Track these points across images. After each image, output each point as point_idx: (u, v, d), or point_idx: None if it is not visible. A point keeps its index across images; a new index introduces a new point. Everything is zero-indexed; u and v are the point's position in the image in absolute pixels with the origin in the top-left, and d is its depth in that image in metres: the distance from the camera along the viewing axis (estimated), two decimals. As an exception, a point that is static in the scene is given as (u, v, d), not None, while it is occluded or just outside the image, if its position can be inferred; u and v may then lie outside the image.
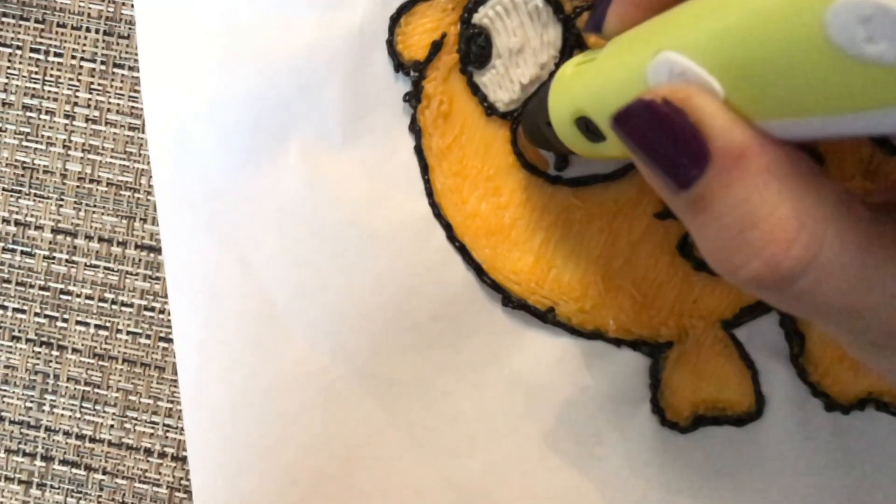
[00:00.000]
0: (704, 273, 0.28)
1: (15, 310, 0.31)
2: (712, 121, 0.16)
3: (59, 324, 0.31)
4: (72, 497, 0.31)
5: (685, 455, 0.28)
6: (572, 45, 0.27)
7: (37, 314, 0.31)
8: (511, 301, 0.28)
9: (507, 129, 0.28)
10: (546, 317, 0.28)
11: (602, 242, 0.28)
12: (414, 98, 0.28)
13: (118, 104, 0.31)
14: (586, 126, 0.22)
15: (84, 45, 0.31)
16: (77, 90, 0.31)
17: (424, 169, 0.29)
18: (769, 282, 0.17)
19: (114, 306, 0.31)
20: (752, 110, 0.16)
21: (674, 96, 0.17)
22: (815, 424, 0.28)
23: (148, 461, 0.31)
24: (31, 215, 0.31)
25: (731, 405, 0.28)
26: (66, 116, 0.31)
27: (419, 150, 0.29)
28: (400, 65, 0.28)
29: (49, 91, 0.31)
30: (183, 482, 0.31)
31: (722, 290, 0.28)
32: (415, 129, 0.29)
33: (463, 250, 0.29)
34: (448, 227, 0.29)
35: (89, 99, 0.31)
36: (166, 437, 0.31)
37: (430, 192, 0.29)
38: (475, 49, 0.28)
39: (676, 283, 0.28)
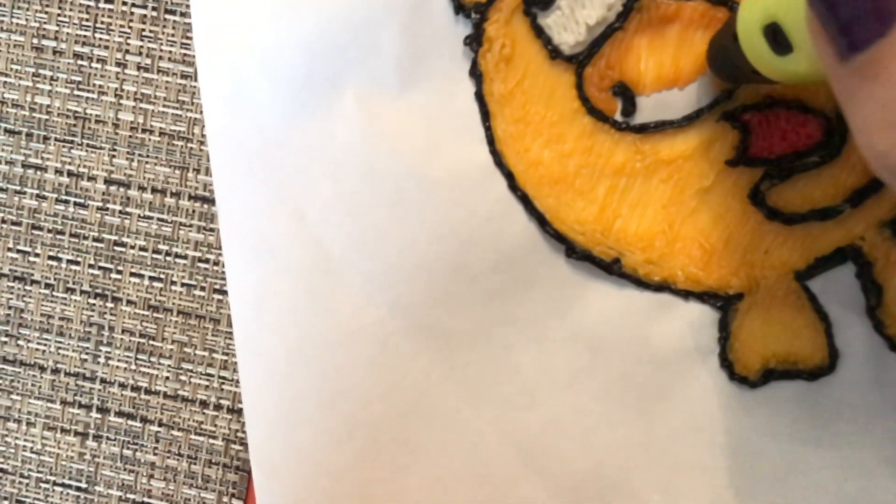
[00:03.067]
0: (777, 222, 0.27)
1: (69, 261, 0.31)
2: None
3: (114, 275, 0.31)
4: (128, 448, 0.31)
5: (754, 410, 0.27)
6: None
7: (91, 266, 0.31)
8: (575, 252, 0.28)
9: (571, 74, 0.27)
10: (611, 268, 0.27)
11: (670, 191, 0.27)
12: (475, 41, 0.27)
13: (170, 52, 0.30)
14: (774, 36, 0.21)
15: (135, -10, 0.30)
16: (128, 37, 0.30)
17: (485, 115, 0.28)
18: None
19: (168, 258, 0.31)
20: None
21: None
22: (890, 379, 0.27)
23: (203, 413, 0.31)
24: (84, 166, 0.31)
25: (802, 359, 0.27)
26: (118, 64, 0.30)
27: (480, 96, 0.28)
28: (460, 6, 0.27)
29: (100, 38, 0.30)
30: (238, 434, 0.31)
31: (795, 240, 0.27)
32: (475, 73, 0.28)
33: (525, 200, 0.28)
34: (510, 176, 0.28)
35: (141, 46, 0.30)
36: (222, 390, 0.31)
37: (491, 140, 0.28)
38: (539, -11, 0.27)
39: (747, 232, 0.27)
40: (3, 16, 0.31)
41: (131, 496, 0.31)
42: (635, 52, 0.27)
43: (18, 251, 0.31)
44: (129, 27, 0.30)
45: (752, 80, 0.24)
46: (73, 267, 0.31)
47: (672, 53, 0.27)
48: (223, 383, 0.31)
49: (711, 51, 0.26)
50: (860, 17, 0.16)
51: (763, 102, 0.26)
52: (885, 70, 0.16)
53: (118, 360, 0.31)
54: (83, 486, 0.32)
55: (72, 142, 0.31)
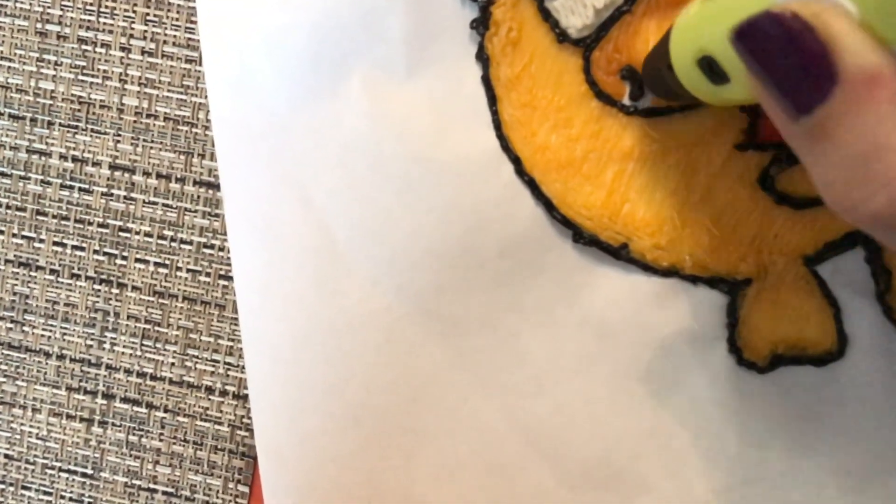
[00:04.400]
0: (786, 207, 0.27)
1: (74, 247, 0.31)
2: (844, 40, 0.15)
3: (119, 261, 0.31)
4: (133, 434, 0.31)
5: (763, 396, 0.27)
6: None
7: (96, 252, 0.31)
8: (582, 237, 0.27)
9: (579, 57, 0.27)
10: (619, 253, 0.27)
11: (678, 175, 0.27)
12: (481, 25, 0.27)
13: (174, 36, 0.30)
14: (710, 67, 0.21)
15: (139, -26, 0.30)
16: (133, 22, 0.30)
17: (492, 100, 0.28)
18: (894, 219, 0.15)
19: (173, 244, 0.31)
20: (888, 33, 0.15)
21: (805, 10, 0.16)
22: (900, 365, 0.26)
23: (209, 399, 0.31)
24: (89, 151, 0.31)
25: (811, 344, 0.27)
26: (122, 49, 0.30)
27: (486, 80, 0.27)
28: (467, -10, 0.27)
29: (104, 23, 0.30)
30: (244, 420, 0.31)
31: (804, 225, 0.27)
32: (482, 57, 0.27)
33: (532, 185, 0.28)
34: (517, 161, 0.28)
35: (145, 31, 0.30)
36: (227, 376, 0.31)
37: (497, 124, 0.28)
38: (547, -28, 0.26)
39: (756, 217, 0.27)
40: (7, 0, 0.30)
41: (137, 482, 0.31)
42: (643, 36, 0.27)
43: (23, 237, 0.31)
44: (134, 11, 0.30)
45: (690, 102, 0.24)
46: (78, 253, 0.31)
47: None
48: (229, 369, 0.31)
49: (646, 73, 0.26)
50: (800, 82, 0.16)
51: (772, 86, 0.26)
52: (835, 131, 0.16)
53: (123, 346, 0.31)
54: (89, 472, 0.31)
55: (76, 127, 0.31)
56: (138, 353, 0.31)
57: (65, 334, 0.31)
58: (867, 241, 0.26)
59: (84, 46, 0.30)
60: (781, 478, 0.27)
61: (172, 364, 0.31)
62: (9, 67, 0.31)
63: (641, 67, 0.26)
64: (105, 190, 0.31)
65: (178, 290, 0.31)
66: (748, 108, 0.26)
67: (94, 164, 0.31)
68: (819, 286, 0.27)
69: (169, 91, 0.30)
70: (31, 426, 0.32)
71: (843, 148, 0.16)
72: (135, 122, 0.30)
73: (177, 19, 0.30)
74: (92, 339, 0.31)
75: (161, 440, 0.31)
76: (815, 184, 0.17)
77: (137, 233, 0.31)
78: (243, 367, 0.30)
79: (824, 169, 0.16)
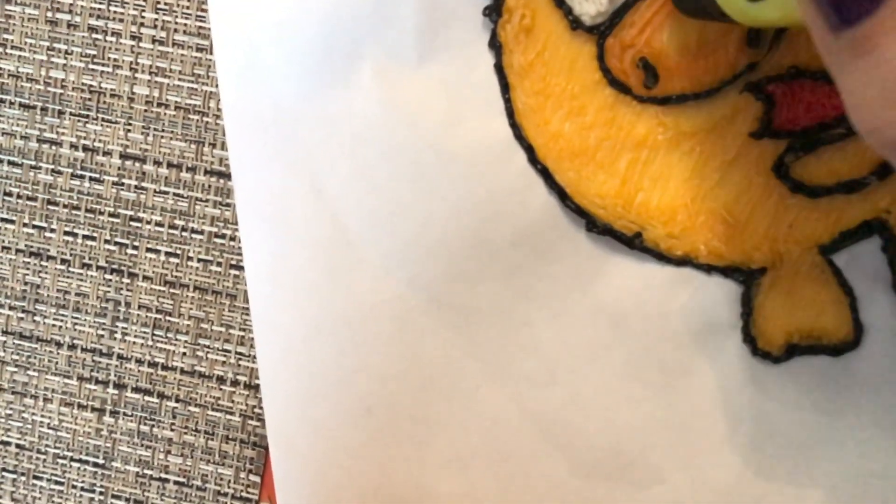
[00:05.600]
0: (801, 195, 0.26)
1: (85, 237, 0.31)
2: None
3: (130, 251, 0.31)
4: (145, 424, 0.31)
5: (777, 386, 0.27)
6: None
7: (107, 241, 0.31)
8: (596, 226, 0.27)
9: (592, 45, 0.27)
10: (633, 242, 0.27)
11: (692, 164, 0.27)
12: (494, 12, 0.27)
13: (185, 24, 0.30)
14: None
15: (149, -38, 0.30)
16: (143, 10, 0.30)
17: (505, 87, 0.27)
18: None
19: (184, 233, 0.30)
20: None
21: None
22: (916, 355, 0.26)
23: (221, 389, 0.31)
24: (99, 140, 0.31)
25: (827, 334, 0.27)
26: (133, 38, 0.30)
27: (499, 68, 0.27)
28: (480, -23, 0.27)
29: (115, 11, 0.30)
30: (256, 410, 0.31)
31: (820, 214, 0.26)
32: (495, 45, 0.27)
33: (545, 173, 0.27)
34: (529, 149, 0.27)
35: (155, 19, 0.30)
36: (239, 366, 0.31)
37: (510, 113, 0.27)
38: (560, -42, 0.26)
39: (771, 205, 0.27)
40: (17, -11, 0.30)
41: (148, 472, 0.31)
42: (658, 23, 0.26)
43: (34, 227, 0.31)
44: (144, 0, 0.30)
45: (718, 20, 0.23)
46: (89, 242, 0.31)
47: (695, 24, 0.26)
48: (240, 359, 0.31)
49: None
50: None
51: (788, 73, 0.26)
52: (879, 46, 0.15)
53: (135, 336, 0.31)
54: (100, 461, 0.31)
55: (87, 116, 0.30)
56: (149, 342, 0.31)
57: (76, 324, 0.31)
58: (883, 229, 0.26)
59: (94, 35, 0.30)
60: (795, 469, 0.27)
61: (184, 354, 0.31)
62: (19, 56, 0.30)
63: None
64: (116, 179, 0.31)
65: (189, 279, 0.31)
66: (763, 95, 0.26)
67: (105, 153, 0.31)
68: (835, 275, 0.26)
69: (180, 80, 0.30)
70: (42, 416, 0.32)
71: (881, 65, 0.15)
72: (145, 111, 0.30)
73: (187, 7, 0.30)
74: (103, 329, 0.31)
75: (172, 430, 0.31)
76: (846, 104, 0.16)
77: (148, 222, 0.31)
78: (254, 357, 0.30)
79: (859, 87, 0.16)
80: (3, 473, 0.32)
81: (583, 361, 0.28)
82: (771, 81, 0.26)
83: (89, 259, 0.31)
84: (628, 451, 0.28)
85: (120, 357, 0.31)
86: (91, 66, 0.30)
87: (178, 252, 0.31)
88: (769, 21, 0.21)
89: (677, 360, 0.27)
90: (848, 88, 0.16)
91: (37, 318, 0.31)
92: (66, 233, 0.31)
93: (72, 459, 0.32)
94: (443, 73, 0.28)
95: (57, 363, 0.31)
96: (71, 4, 0.30)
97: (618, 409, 0.28)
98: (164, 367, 0.31)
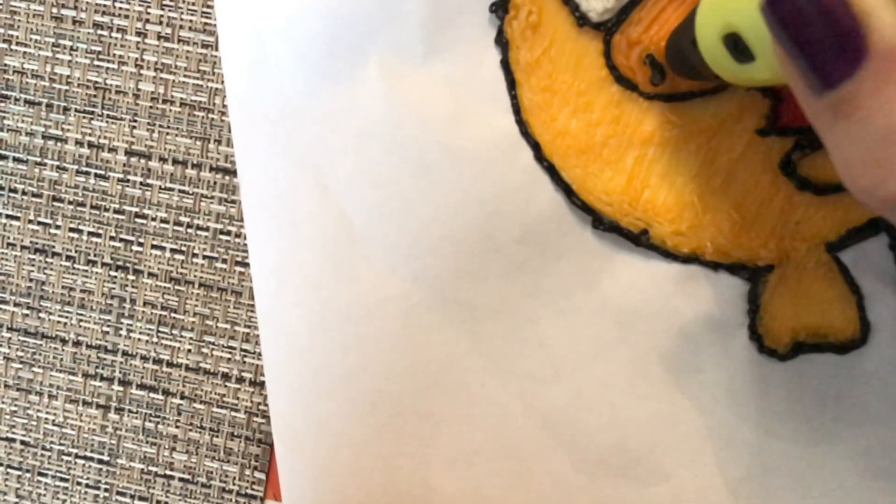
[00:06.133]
0: (808, 193, 0.26)
1: (90, 233, 0.31)
2: (877, 14, 0.15)
3: (135, 248, 0.31)
4: (150, 421, 0.31)
5: (784, 384, 0.27)
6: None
7: (112, 238, 0.31)
8: (602, 223, 0.27)
9: (599, 41, 0.27)
10: (639, 239, 0.27)
11: (699, 161, 0.27)
12: (501, 8, 0.27)
13: (191, 20, 0.30)
14: (735, 44, 0.20)
15: (155, -42, 0.30)
16: (148, 6, 0.30)
17: (511, 84, 0.27)
18: None
19: (189, 230, 0.30)
20: None
21: None
22: (923, 353, 0.26)
23: (226, 386, 0.31)
24: (105, 137, 0.31)
25: (833, 332, 0.27)
26: (138, 34, 0.30)
27: (506, 65, 0.27)
28: (486, -27, 0.27)
29: (120, 8, 0.30)
30: (261, 407, 0.31)
31: (827, 211, 0.26)
32: (501, 41, 0.27)
33: (551, 170, 0.27)
34: (536, 146, 0.27)
35: (161, 15, 0.30)
36: (244, 363, 0.31)
37: (517, 109, 0.27)
38: (567, -46, 0.26)
39: (778, 203, 0.26)
40: (23, -15, 0.30)
41: (153, 469, 0.31)
42: (664, 19, 0.26)
43: (39, 223, 0.31)
44: (150, -4, 0.30)
45: (713, 82, 0.24)
46: (95, 239, 0.31)
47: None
48: (245, 356, 0.31)
49: (669, 51, 0.26)
50: (829, 55, 0.15)
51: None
52: (860, 109, 0.15)
53: (140, 333, 0.31)
54: (105, 458, 0.31)
55: (92, 113, 0.30)
56: (154, 339, 0.31)
57: (81, 321, 0.31)
58: (890, 227, 0.26)
59: (100, 31, 0.30)
60: (802, 466, 0.27)
61: (189, 351, 0.31)
62: (24, 53, 0.30)
63: (665, 45, 0.26)
64: (121, 176, 0.31)
65: (195, 276, 0.31)
66: (770, 92, 0.26)
67: (111, 150, 0.31)
68: (841, 273, 0.26)
69: (185, 76, 0.30)
70: (47, 413, 0.32)
71: (864, 126, 0.15)
72: (151, 107, 0.30)
73: (193, 4, 0.30)
74: (108, 326, 0.31)
75: (177, 427, 0.31)
76: (834, 162, 0.17)
77: (154, 219, 0.31)
78: (260, 354, 0.30)
79: (844, 147, 0.16)
80: (9, 470, 0.32)
81: (588, 358, 0.28)
82: (778, 78, 0.26)
83: (94, 256, 0.31)
84: (633, 448, 0.28)
85: (125, 354, 0.31)
86: (96, 62, 0.30)
87: (184, 249, 0.31)
88: (759, 81, 0.21)
89: (683, 358, 0.27)
90: (834, 148, 0.16)
91: (42, 315, 0.31)
92: (71, 229, 0.31)
93: (77, 456, 0.32)
94: (449, 69, 0.28)
95: (62, 360, 0.31)
96: (76, 1, 0.30)
97: (623, 406, 0.28)
98: (169, 364, 0.31)
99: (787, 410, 0.27)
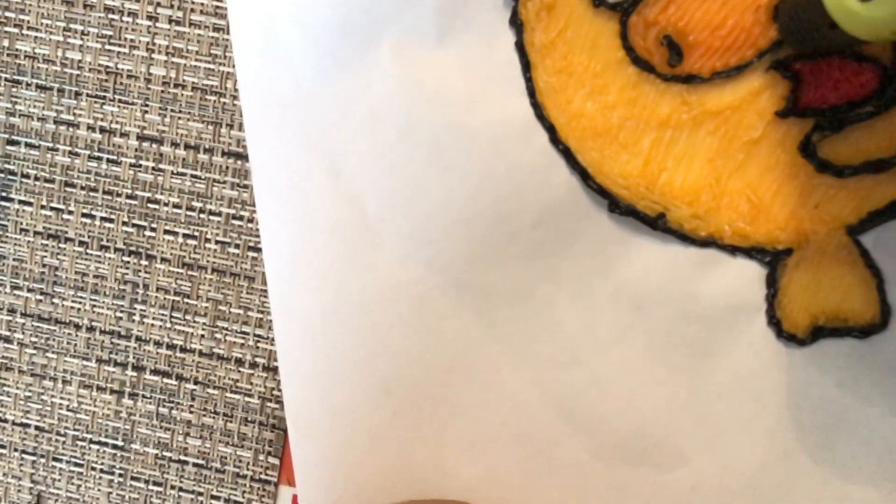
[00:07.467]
0: (828, 175, 0.26)
1: (103, 219, 0.31)
2: None
3: (148, 233, 0.31)
4: (164, 406, 0.31)
5: (803, 368, 0.27)
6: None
7: (125, 223, 0.31)
8: (618, 206, 0.27)
9: (615, 22, 0.26)
10: (656, 223, 0.27)
11: (717, 143, 0.26)
12: (516, -11, 0.27)
13: (202, 4, 0.29)
14: None
15: (166, -59, 0.29)
16: (160, -11, 0.30)
17: (526, 66, 0.27)
18: None
19: (202, 215, 0.30)
20: None
21: None
22: (945, 337, 0.26)
23: (239, 371, 0.31)
24: (117, 122, 0.30)
25: (853, 316, 0.26)
26: (149, 18, 0.30)
27: (520, 46, 0.27)
28: (501, -47, 0.27)
29: (131, -9, 0.30)
30: (274, 392, 0.31)
31: (847, 194, 0.26)
32: (516, 22, 0.27)
33: (567, 153, 0.27)
34: (551, 129, 0.27)
35: (172, -1, 0.30)
36: (257, 348, 0.30)
37: (531, 92, 0.27)
38: (584, -67, 0.26)
39: (797, 185, 0.26)
40: (33, -32, 0.30)
41: (167, 454, 0.31)
42: (681, 0, 0.26)
43: (52, 209, 0.31)
44: (161, -21, 0.30)
45: (827, 41, 0.23)
46: (107, 224, 0.31)
47: (720, 1, 0.26)
48: (258, 341, 0.30)
49: (782, 16, 0.25)
50: None
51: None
52: None
53: (153, 318, 0.31)
54: (119, 443, 0.31)
55: (104, 97, 0.30)
56: (168, 325, 0.31)
57: (94, 306, 0.31)
58: (912, 210, 0.26)
59: (111, 15, 0.30)
60: (821, 452, 0.27)
61: (202, 336, 0.31)
62: (35, 37, 0.30)
63: (775, 9, 0.25)
64: (133, 161, 0.30)
65: (208, 261, 0.30)
66: (790, 73, 0.26)
67: (122, 134, 0.30)
68: (862, 256, 0.26)
69: (197, 60, 0.30)
70: (61, 398, 0.32)
71: None
72: (162, 91, 0.30)
73: (204, -13, 0.29)
74: (121, 311, 0.31)
75: (191, 412, 0.31)
76: None
77: (166, 204, 0.30)
78: (273, 339, 0.30)
79: None
80: (23, 455, 0.32)
81: (605, 343, 0.28)
82: (798, 59, 0.26)
83: (107, 241, 0.31)
84: (651, 433, 0.28)
85: (138, 339, 0.31)
86: (107, 46, 0.30)
87: (196, 234, 0.30)
88: (879, 21, 0.20)
89: (701, 342, 0.27)
90: None
91: (55, 301, 0.31)
92: (83, 215, 0.31)
93: (91, 441, 0.32)
94: (463, 51, 0.27)
95: (76, 345, 0.31)
96: (87, -16, 0.30)
97: (640, 391, 0.28)
98: (183, 350, 0.31)
99: (807, 395, 0.27)
